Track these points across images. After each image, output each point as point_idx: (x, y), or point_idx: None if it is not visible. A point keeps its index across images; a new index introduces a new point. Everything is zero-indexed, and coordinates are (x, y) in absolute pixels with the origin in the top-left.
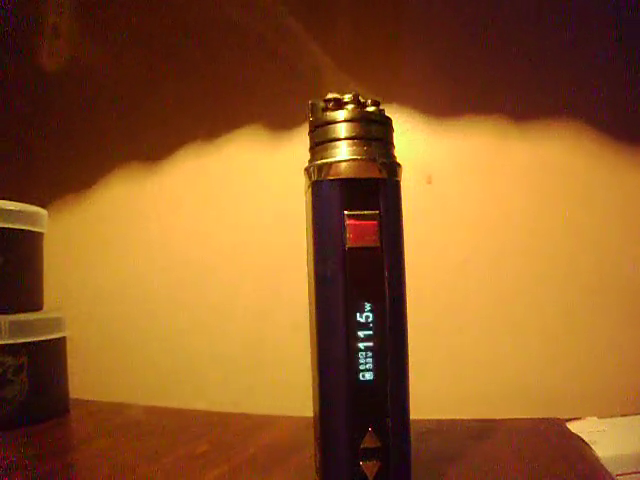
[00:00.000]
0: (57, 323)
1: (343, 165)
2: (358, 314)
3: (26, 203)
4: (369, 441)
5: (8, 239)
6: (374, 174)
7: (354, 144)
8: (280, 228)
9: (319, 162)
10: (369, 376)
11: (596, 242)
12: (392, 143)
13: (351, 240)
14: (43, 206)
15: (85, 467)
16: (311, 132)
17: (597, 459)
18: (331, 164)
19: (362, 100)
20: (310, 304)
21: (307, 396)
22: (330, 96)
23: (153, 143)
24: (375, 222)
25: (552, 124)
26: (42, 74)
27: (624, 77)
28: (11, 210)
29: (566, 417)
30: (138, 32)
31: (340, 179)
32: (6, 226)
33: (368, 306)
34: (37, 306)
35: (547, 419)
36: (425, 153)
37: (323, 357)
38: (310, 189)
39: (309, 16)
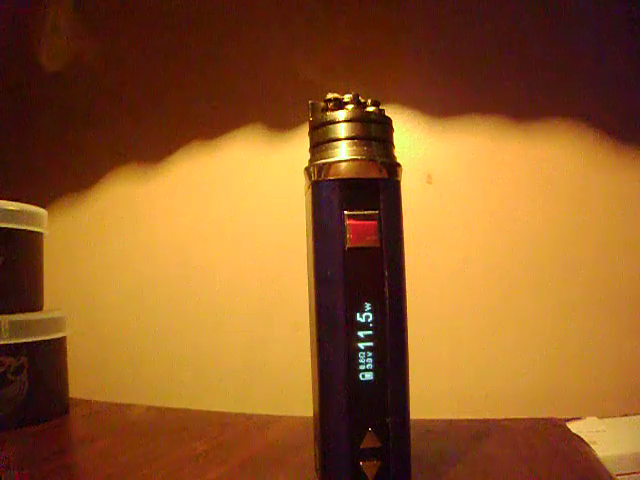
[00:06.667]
0: (57, 323)
1: (343, 165)
2: (358, 314)
3: (26, 203)
4: (369, 441)
5: (8, 239)
6: (374, 174)
7: (354, 144)
8: (280, 228)
9: (319, 162)
10: (369, 376)
11: (597, 242)
12: (392, 143)
13: (351, 240)
14: (43, 206)
15: (85, 467)
16: (311, 132)
17: (597, 459)
18: (331, 164)
19: (362, 100)
20: (310, 304)
21: (307, 396)
22: (330, 96)
23: (153, 143)
24: (375, 222)
25: (552, 124)
26: (42, 74)
27: (625, 77)
28: (11, 210)
29: (566, 417)
30: (138, 32)
31: (340, 179)
32: (6, 226)
33: (368, 306)
34: (37, 306)
35: (547, 419)
36: (425, 153)
37: (323, 357)
38: (310, 189)
39: (310, 16)
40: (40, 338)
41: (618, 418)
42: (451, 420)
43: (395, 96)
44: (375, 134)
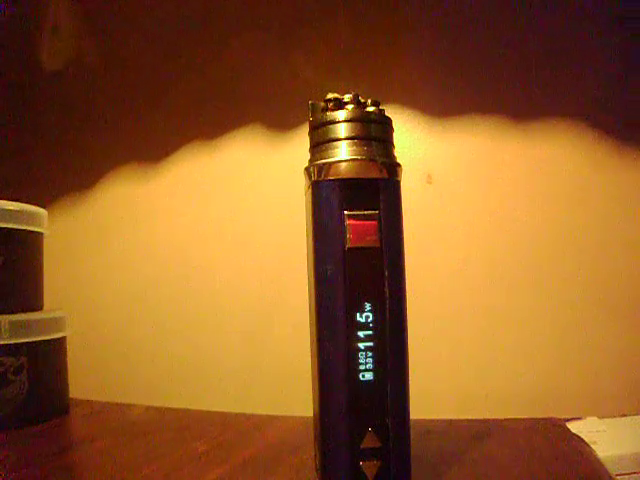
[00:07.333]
0: (57, 323)
1: (343, 165)
2: (358, 314)
3: (26, 203)
4: (369, 441)
5: (8, 239)
6: (374, 174)
7: (354, 144)
8: (280, 228)
9: (319, 162)
10: (369, 376)
11: (596, 242)
12: (392, 143)
13: (351, 240)
14: (43, 206)
15: (85, 467)
16: (311, 132)
17: (597, 459)
18: (331, 164)
19: (362, 100)
20: (310, 304)
21: (307, 396)
22: (330, 96)
23: (153, 143)
24: (375, 222)
25: (552, 124)
26: (42, 74)
27: (624, 78)
28: (11, 210)
29: (566, 417)
30: (138, 32)
31: (340, 179)
32: (6, 226)
33: (368, 306)
34: (37, 306)
35: (547, 419)
36: (425, 153)
37: (323, 357)
38: (310, 189)
39: (310, 16)
40: (40, 338)
41: (618, 418)
42: (451, 420)
43: (395, 96)
44: (375, 134)
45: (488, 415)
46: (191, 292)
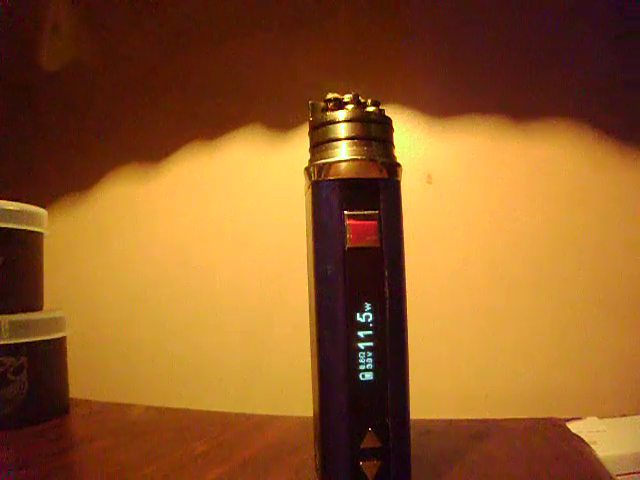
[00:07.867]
0: (57, 323)
1: (343, 165)
2: (358, 314)
3: (26, 203)
4: (369, 441)
5: (8, 239)
6: (374, 174)
7: (354, 144)
8: (280, 228)
9: (319, 162)
10: (369, 376)
11: (596, 242)
12: (392, 143)
13: (351, 240)
14: (43, 206)
15: (85, 467)
16: (311, 132)
17: (597, 459)
18: (331, 164)
19: (362, 100)
20: (310, 304)
21: (307, 396)
22: (330, 96)
23: (153, 143)
24: (375, 222)
25: (552, 124)
26: (42, 74)
27: (625, 78)
28: (11, 210)
29: (566, 417)
30: (138, 32)
31: (340, 179)
32: (6, 226)
33: (368, 306)
34: (37, 306)
35: (547, 419)
36: (425, 153)
37: (323, 357)
38: (310, 189)
39: (310, 17)
40: (40, 338)
41: (618, 418)
42: (451, 420)
43: (395, 96)
44: (375, 134)
45: (488, 415)
46: (191, 292)
